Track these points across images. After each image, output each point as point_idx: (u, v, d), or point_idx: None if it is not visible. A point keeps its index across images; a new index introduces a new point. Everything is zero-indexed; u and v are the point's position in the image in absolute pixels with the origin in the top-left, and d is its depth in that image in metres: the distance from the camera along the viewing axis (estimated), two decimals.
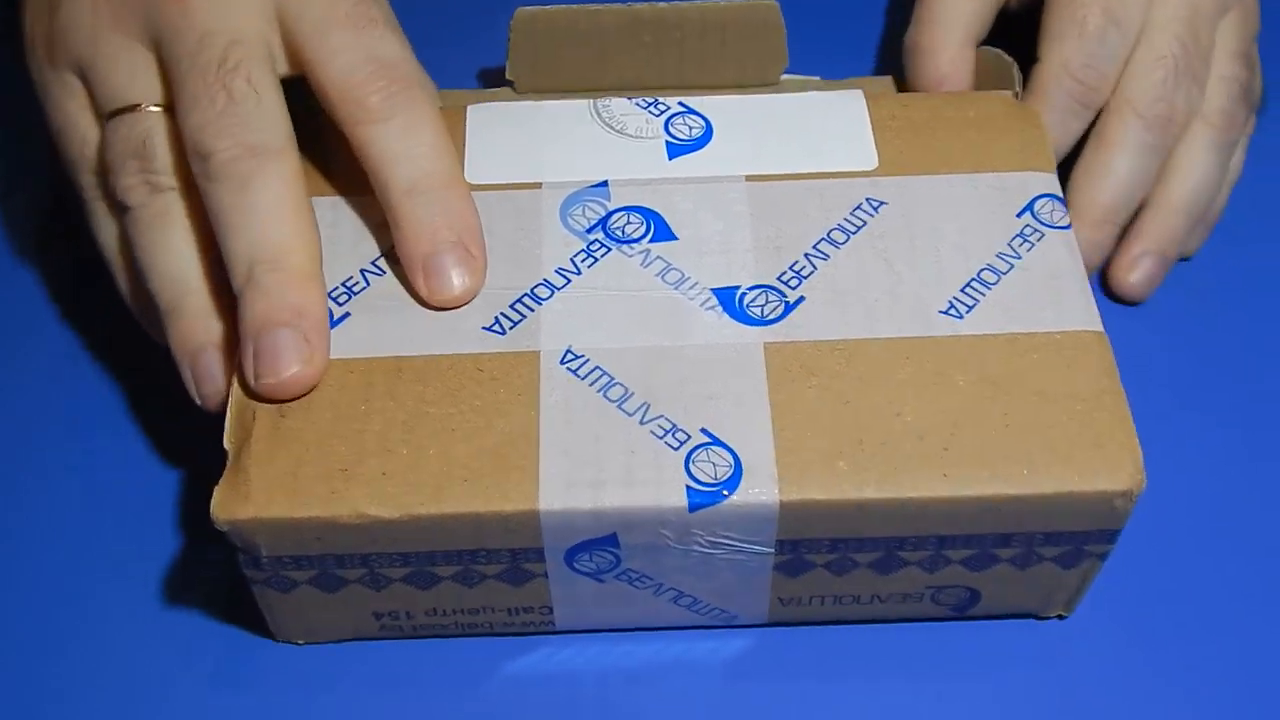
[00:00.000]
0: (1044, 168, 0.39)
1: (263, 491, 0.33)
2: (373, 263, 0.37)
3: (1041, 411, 0.34)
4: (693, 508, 0.33)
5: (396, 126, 0.36)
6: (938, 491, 0.33)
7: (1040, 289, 0.36)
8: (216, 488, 0.33)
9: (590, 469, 0.33)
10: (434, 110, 0.37)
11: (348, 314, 0.36)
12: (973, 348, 0.35)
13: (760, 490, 0.33)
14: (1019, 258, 0.37)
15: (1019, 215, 0.38)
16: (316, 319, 0.35)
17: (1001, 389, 0.34)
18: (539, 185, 0.38)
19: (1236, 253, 0.45)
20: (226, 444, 0.34)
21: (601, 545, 0.33)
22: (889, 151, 0.39)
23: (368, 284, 0.36)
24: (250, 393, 0.34)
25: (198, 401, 0.36)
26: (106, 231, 0.39)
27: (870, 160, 0.39)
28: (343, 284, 0.36)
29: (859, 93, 0.41)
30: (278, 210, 0.35)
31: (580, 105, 0.40)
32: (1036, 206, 0.38)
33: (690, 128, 0.40)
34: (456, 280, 0.36)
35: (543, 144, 0.39)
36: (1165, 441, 0.39)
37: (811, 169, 0.39)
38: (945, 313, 0.36)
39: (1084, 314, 0.36)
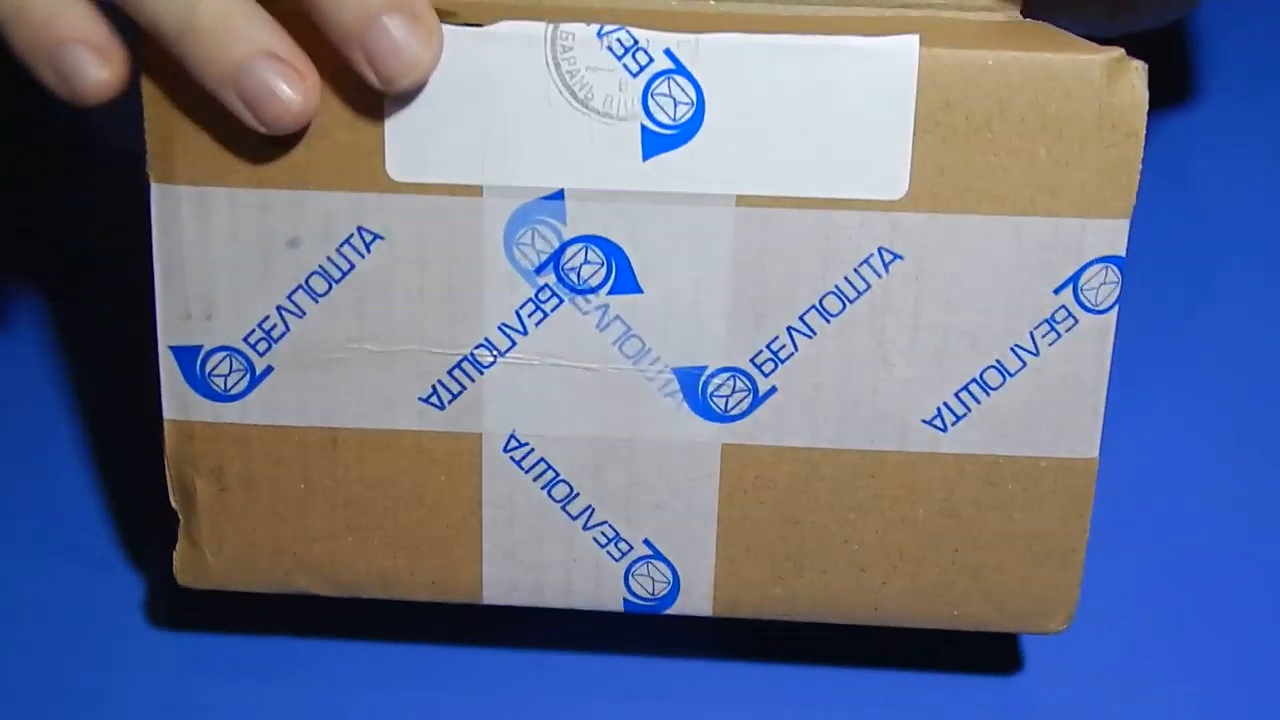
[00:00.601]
0: (1117, 211, 0.31)
1: (220, 569, 0.35)
2: (289, 297, 0.33)
3: (994, 552, 0.34)
4: (627, 612, 0.35)
5: None
6: (865, 621, 0.34)
7: (1047, 402, 0.32)
8: (175, 551, 0.35)
9: (533, 574, 0.35)
10: None
11: (270, 368, 0.33)
12: (945, 472, 0.33)
13: (694, 608, 0.35)
14: (1036, 354, 0.32)
15: (1058, 291, 0.32)
16: None
17: (961, 523, 0.34)
18: (479, 191, 0.32)
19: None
20: (173, 504, 0.35)
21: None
22: (926, 171, 0.31)
23: (287, 328, 0.33)
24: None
25: (259, 128, 0.30)
26: None
27: (898, 185, 0.31)
28: (259, 327, 0.33)
29: (912, 50, 0.30)
30: None
31: (534, 39, 0.31)
32: (1084, 279, 0.32)
33: (676, 103, 0.31)
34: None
35: (484, 114, 0.31)
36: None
37: (821, 191, 0.31)
38: (929, 422, 0.33)
39: (1084, 439, 0.33)
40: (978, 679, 0.37)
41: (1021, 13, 0.34)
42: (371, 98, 0.30)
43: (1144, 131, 0.30)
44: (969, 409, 0.32)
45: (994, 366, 0.32)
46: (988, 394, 0.32)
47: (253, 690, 0.37)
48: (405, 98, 0.30)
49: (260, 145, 0.31)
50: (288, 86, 0.30)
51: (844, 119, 0.30)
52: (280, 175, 0.31)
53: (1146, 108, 0.30)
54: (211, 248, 0.32)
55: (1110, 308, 0.31)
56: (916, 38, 0.30)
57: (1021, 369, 0.32)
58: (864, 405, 0.32)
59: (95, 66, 0.30)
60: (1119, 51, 0.30)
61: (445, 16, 0.30)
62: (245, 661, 0.37)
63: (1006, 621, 0.34)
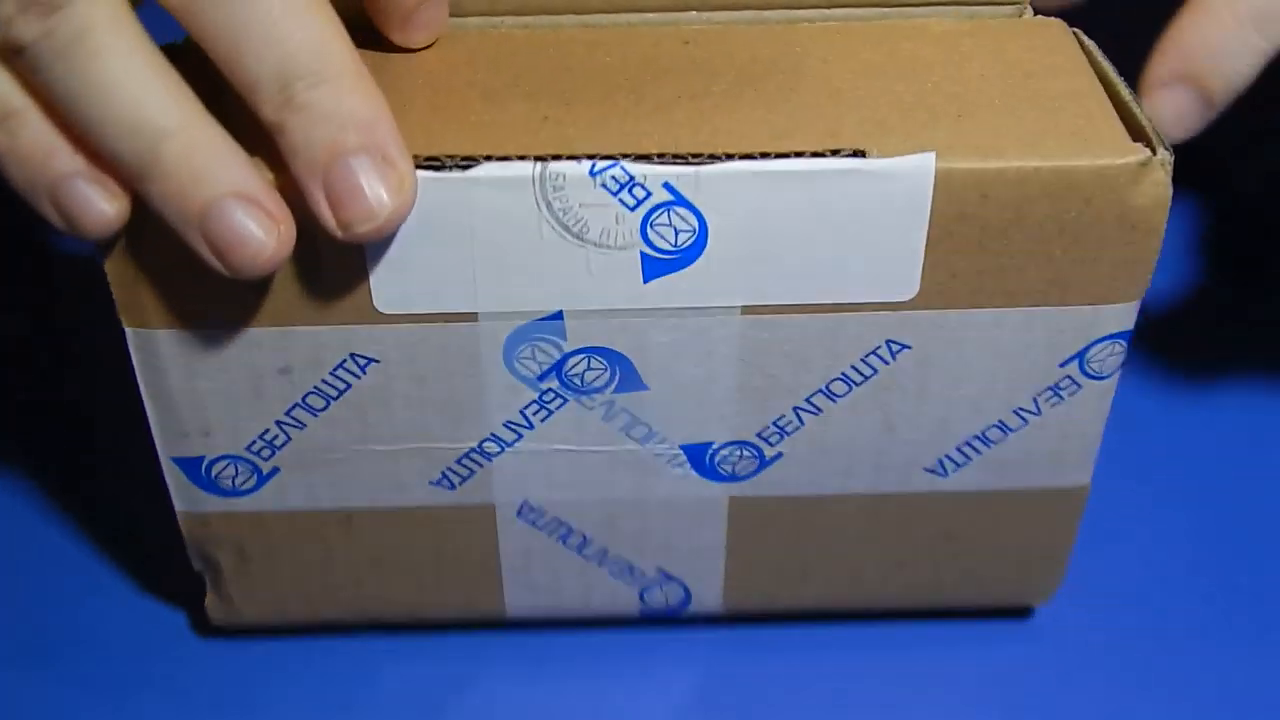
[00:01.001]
0: (1131, 297, 0.31)
1: (250, 614, 0.37)
2: (287, 414, 0.32)
3: (988, 556, 0.36)
4: (642, 616, 0.37)
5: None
6: (862, 610, 0.37)
7: (1045, 449, 0.34)
8: (206, 600, 0.37)
9: (553, 598, 0.37)
10: None
11: (276, 469, 0.33)
12: (943, 505, 0.35)
13: (705, 612, 0.38)
14: (1038, 414, 0.33)
15: (1064, 365, 0.32)
16: (390, 128, 0.27)
17: (956, 541, 0.36)
18: (474, 317, 0.31)
19: None
20: (196, 569, 0.36)
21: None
22: (937, 275, 0.30)
23: (289, 438, 0.33)
24: (333, 236, 0.28)
25: (225, 273, 0.27)
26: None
27: (909, 289, 0.31)
28: (260, 439, 0.33)
29: (928, 171, 0.29)
30: (299, 6, 0.27)
31: (522, 181, 0.29)
32: (1091, 353, 0.32)
33: (677, 232, 0.30)
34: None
35: (473, 251, 0.30)
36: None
37: (829, 299, 0.31)
38: (930, 470, 0.34)
39: (1078, 470, 0.34)
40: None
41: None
42: None
43: (1164, 226, 0.29)
44: (969, 458, 0.33)
45: (996, 426, 0.32)
46: (989, 446, 0.33)
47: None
48: (386, 247, 0.28)
49: (237, 283, 0.29)
50: (259, 230, 0.27)
51: (854, 236, 0.29)
52: (263, 313, 0.30)
53: (1169, 203, 0.29)
54: (199, 380, 0.31)
55: (1114, 372, 0.32)
56: (932, 157, 0.28)
57: (1023, 426, 0.32)
58: (868, 461, 0.33)
59: (101, 201, 0.28)
60: (1145, 153, 0.28)
61: (429, 159, 0.28)
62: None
63: (995, 603, 0.37)
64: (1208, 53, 0.32)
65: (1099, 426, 0.32)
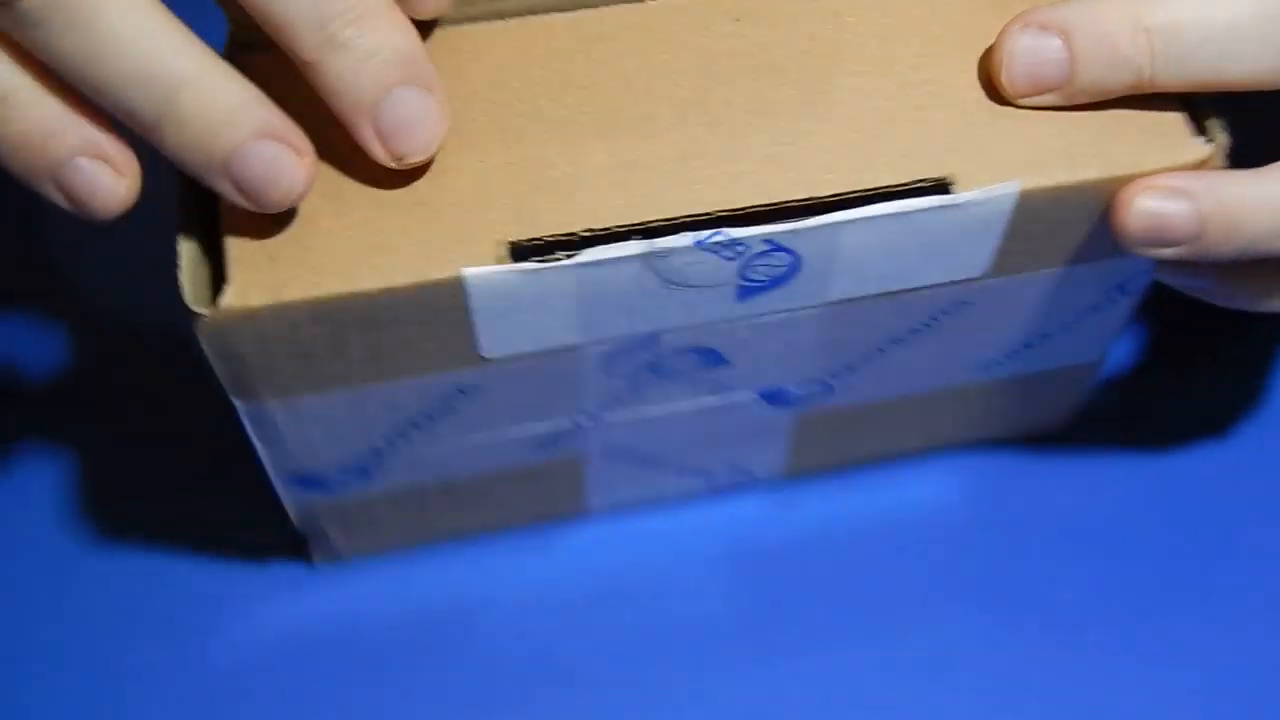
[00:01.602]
0: None
1: (353, 553, 0.40)
2: (396, 435, 0.34)
3: (1014, 415, 0.39)
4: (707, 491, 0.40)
5: None
6: (907, 453, 0.40)
7: (1076, 343, 0.37)
8: (311, 548, 0.40)
9: (629, 497, 0.41)
10: None
11: (382, 468, 0.35)
12: (984, 388, 0.39)
13: (766, 478, 0.42)
14: (1076, 322, 0.37)
15: (1108, 290, 0.35)
16: (424, 57, 0.28)
17: (991, 408, 0.40)
18: (574, 347, 0.33)
19: None
20: (299, 530, 0.39)
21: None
22: (1008, 256, 0.32)
23: (396, 450, 0.34)
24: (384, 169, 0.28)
25: (255, 209, 0.27)
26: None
27: (980, 266, 0.33)
28: (368, 452, 0.34)
29: (1012, 195, 0.30)
30: None
31: (630, 259, 0.30)
32: (1133, 279, 0.35)
33: (773, 268, 0.31)
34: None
35: (577, 306, 0.31)
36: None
37: (906, 286, 0.33)
38: (978, 369, 0.38)
39: (1098, 351, 0.38)
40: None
41: None
42: (456, 300, 0.29)
43: None
44: (1012, 358, 0.36)
45: (1039, 334, 0.36)
46: (1030, 349, 0.36)
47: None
48: (493, 293, 0.29)
49: (340, 352, 0.29)
50: (291, 166, 0.27)
51: (935, 245, 0.31)
52: (368, 372, 0.31)
53: None
54: (308, 431, 0.32)
55: (1148, 283, 0.34)
56: (1016, 186, 0.29)
57: (1062, 332, 0.36)
58: (924, 374, 0.36)
59: (108, 177, 0.27)
60: (1209, 148, 0.30)
61: (534, 242, 0.28)
62: None
63: (1019, 435, 0.41)
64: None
65: (1123, 322, 0.36)
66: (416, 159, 0.28)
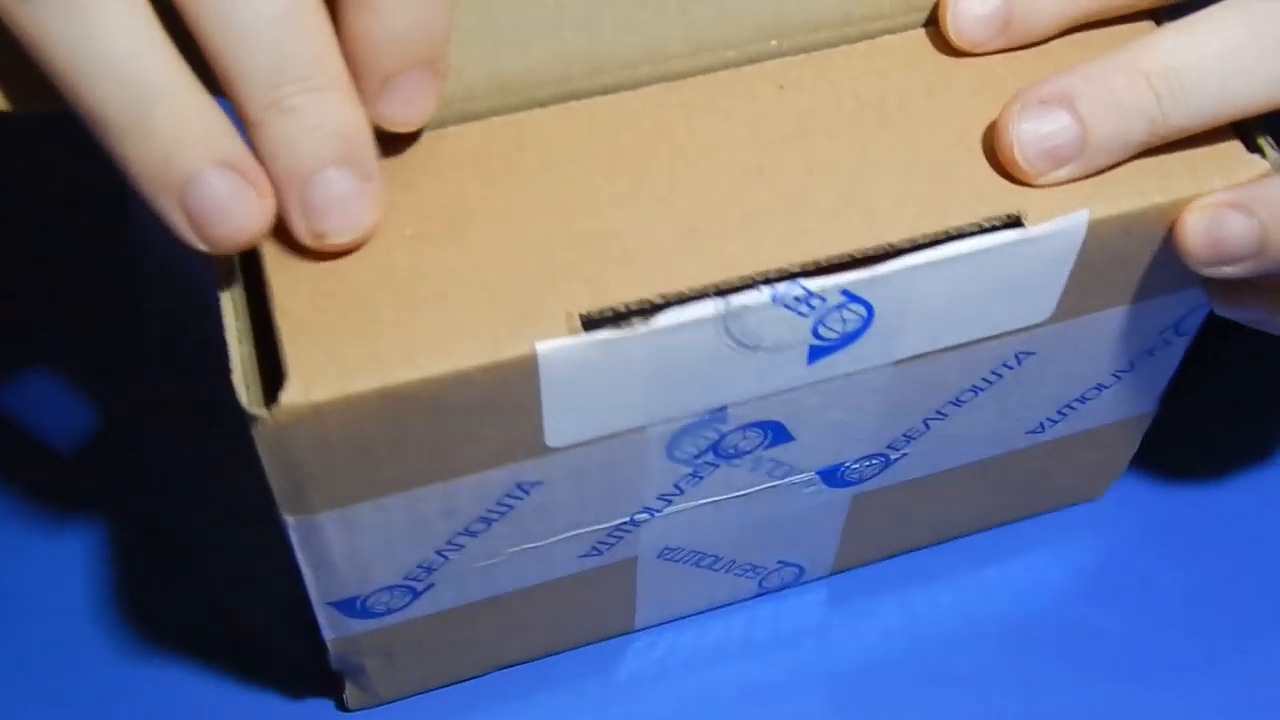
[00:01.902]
0: None
1: (392, 696, 0.37)
2: (448, 543, 0.32)
3: (1061, 479, 0.38)
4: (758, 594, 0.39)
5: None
6: (954, 535, 0.40)
7: (1129, 394, 0.36)
8: (346, 691, 0.37)
9: (680, 607, 0.39)
10: None
11: (431, 585, 0.33)
12: (1037, 452, 0.37)
13: (816, 578, 0.40)
14: (1131, 371, 0.36)
15: (1163, 331, 0.35)
16: (368, 144, 0.27)
17: (1041, 472, 0.39)
18: (641, 430, 0.31)
19: None
20: (335, 668, 0.36)
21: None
22: (1072, 296, 0.32)
23: (447, 560, 0.32)
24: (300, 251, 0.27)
25: (199, 245, 0.26)
26: None
27: (1045, 311, 0.32)
28: (419, 567, 0.32)
29: (1081, 226, 0.30)
30: (304, 10, 0.26)
31: (705, 320, 0.29)
32: (1188, 318, 0.35)
33: (845, 322, 0.30)
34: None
35: (647, 378, 0.30)
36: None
37: (974, 336, 0.32)
38: (1031, 431, 0.37)
39: (1150, 401, 0.37)
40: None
41: None
42: (527, 381, 0.27)
43: None
44: (1065, 415, 0.35)
45: (1094, 387, 0.35)
46: (1084, 403, 0.35)
47: None
48: (565, 369, 0.27)
49: (401, 450, 0.27)
50: (245, 205, 0.26)
51: (1004, 284, 0.30)
52: (427, 471, 0.29)
53: None
54: (360, 545, 0.30)
55: (1196, 329, 0.34)
56: (1086, 215, 0.29)
57: (1116, 383, 0.35)
58: (980, 440, 0.35)
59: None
60: (1264, 164, 0.30)
61: (608, 312, 0.27)
62: None
63: (1062, 504, 0.40)
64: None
65: (1175, 367, 0.35)
66: (335, 241, 0.27)
